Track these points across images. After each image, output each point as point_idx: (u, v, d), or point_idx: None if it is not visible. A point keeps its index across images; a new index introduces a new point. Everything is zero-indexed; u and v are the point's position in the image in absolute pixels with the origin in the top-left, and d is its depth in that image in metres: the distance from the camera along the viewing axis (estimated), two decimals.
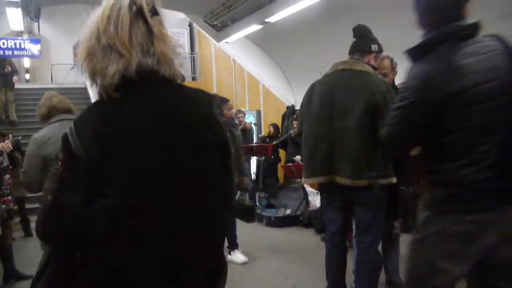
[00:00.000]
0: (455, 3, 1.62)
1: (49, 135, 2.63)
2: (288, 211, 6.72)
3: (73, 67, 15.36)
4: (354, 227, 2.91)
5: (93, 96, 11.53)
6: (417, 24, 1.69)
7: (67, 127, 1.15)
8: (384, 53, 2.99)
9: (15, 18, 8.77)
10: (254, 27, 8.07)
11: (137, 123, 1.14)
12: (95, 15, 1.17)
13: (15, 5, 7.47)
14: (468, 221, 1.56)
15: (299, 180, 6.37)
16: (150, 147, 1.14)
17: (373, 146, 2.46)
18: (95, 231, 1.13)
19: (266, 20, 7.68)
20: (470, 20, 1.62)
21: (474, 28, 1.60)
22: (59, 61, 14.89)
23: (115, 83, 1.13)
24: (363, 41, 2.70)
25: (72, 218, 1.13)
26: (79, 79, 14.16)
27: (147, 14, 1.15)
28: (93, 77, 1.17)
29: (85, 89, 12.28)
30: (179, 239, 1.17)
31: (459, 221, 1.57)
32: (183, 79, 1.25)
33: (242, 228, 4.60)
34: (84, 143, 1.10)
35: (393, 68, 3.30)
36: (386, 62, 3.23)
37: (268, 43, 8.94)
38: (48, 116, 2.80)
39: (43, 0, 8.09)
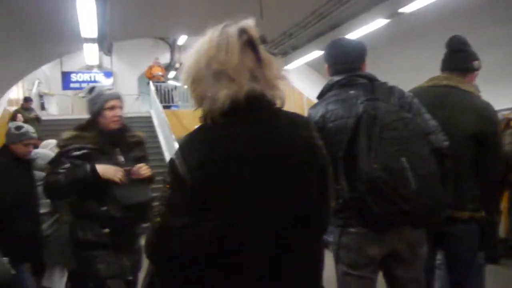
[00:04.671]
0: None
1: None
2: None
3: (137, 97, 16.20)
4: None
5: (157, 124, 12.05)
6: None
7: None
8: None
9: (91, 53, 9.44)
10: (316, 53, 8.21)
11: (242, 147, 1.17)
12: (200, 44, 1.22)
13: (92, 41, 8.07)
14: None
15: None
16: (254, 171, 1.16)
17: (473, 174, 2.26)
18: (201, 253, 1.16)
19: None
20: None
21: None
22: (124, 92, 15.68)
23: (225, 108, 1.15)
24: (463, 57, 2.38)
25: (180, 240, 1.16)
26: (143, 108, 14.87)
27: (256, 42, 1.20)
28: (200, 101, 1.21)
29: (149, 117, 12.84)
30: (281, 264, 1.17)
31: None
32: (282, 104, 1.28)
33: None
34: (190, 167, 1.13)
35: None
36: None
37: None
38: None
39: (114, 36, 8.69)
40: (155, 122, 12.33)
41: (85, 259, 2.45)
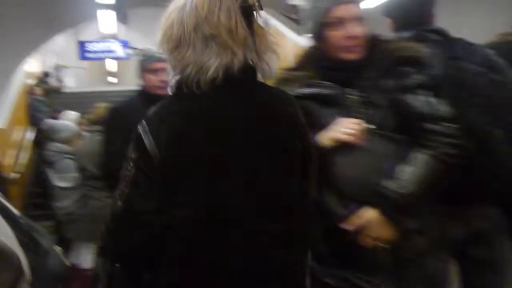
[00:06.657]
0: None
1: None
2: None
3: None
4: None
5: None
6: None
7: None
8: None
9: (106, 21, 9.17)
10: None
11: (223, 122, 1.06)
12: (187, 2, 1.06)
13: (108, 7, 7.82)
14: None
15: None
16: (236, 149, 1.06)
17: None
18: (170, 245, 1.03)
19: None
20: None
21: None
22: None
23: (218, 79, 1.03)
24: None
25: (146, 227, 1.03)
26: None
27: (252, 8, 1.07)
28: (183, 69, 1.06)
29: None
30: (257, 255, 1.07)
31: None
32: (268, 79, 1.17)
33: None
34: (159, 142, 1.01)
35: None
36: None
37: None
38: (95, 123, 3.32)
39: (132, 3, 8.43)
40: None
41: None
